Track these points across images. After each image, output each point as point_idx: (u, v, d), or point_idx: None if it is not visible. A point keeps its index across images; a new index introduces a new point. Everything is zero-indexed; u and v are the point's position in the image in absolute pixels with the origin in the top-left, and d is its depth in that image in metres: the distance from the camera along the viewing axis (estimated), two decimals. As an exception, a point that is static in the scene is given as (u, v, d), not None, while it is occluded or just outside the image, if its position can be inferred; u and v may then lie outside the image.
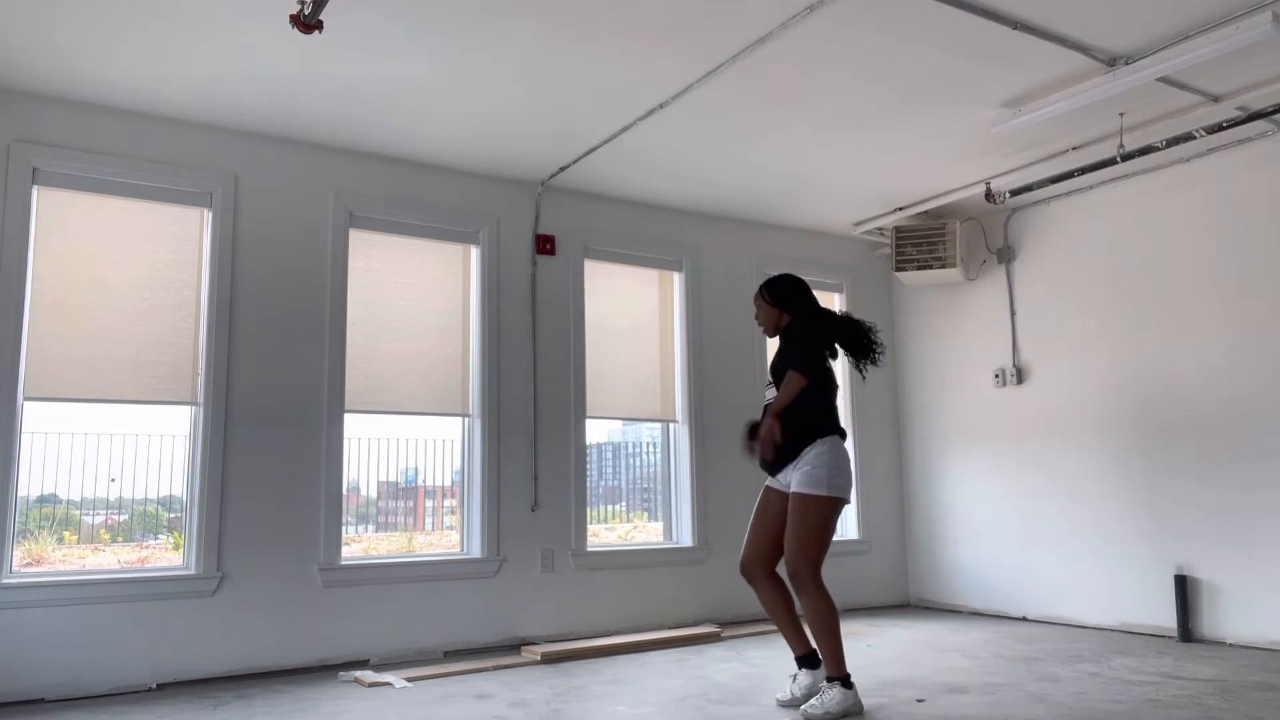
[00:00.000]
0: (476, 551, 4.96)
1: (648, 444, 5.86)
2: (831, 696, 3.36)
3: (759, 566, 3.65)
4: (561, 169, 5.11)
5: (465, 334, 5.12)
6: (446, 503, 5.10)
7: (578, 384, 5.36)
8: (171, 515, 4.37)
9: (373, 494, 4.93)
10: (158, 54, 3.76)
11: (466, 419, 5.09)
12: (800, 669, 3.61)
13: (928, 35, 3.68)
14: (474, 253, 5.18)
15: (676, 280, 5.88)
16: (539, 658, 4.52)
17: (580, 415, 5.34)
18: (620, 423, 5.78)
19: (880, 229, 6.22)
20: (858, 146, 4.85)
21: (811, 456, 3.47)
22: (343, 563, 4.56)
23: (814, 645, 3.55)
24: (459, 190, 5.12)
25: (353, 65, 3.87)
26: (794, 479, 3.50)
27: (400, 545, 4.98)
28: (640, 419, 5.69)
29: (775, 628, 5.40)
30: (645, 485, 5.84)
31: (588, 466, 5.38)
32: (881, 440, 6.50)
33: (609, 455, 5.85)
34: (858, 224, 6.21)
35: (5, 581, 3.84)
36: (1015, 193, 5.18)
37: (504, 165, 5.06)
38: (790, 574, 3.46)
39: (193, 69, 3.89)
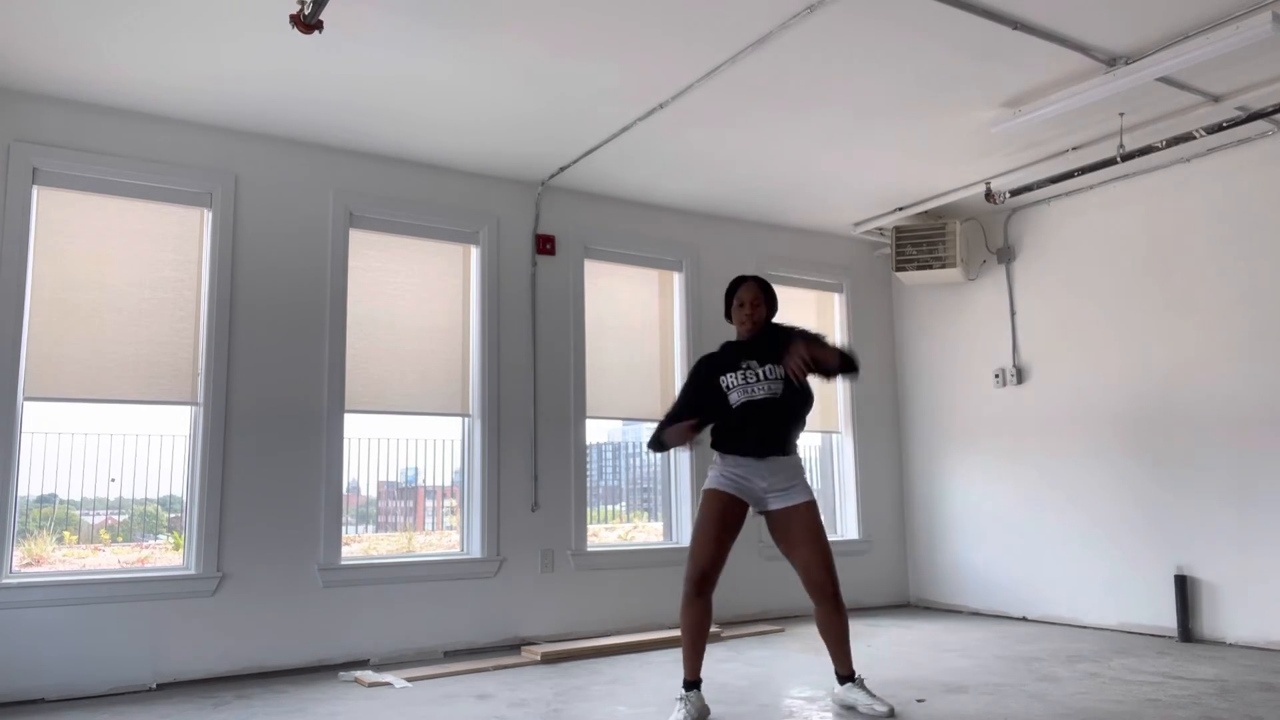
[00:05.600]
0: (476, 551, 4.96)
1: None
2: (866, 688, 3.51)
3: (711, 582, 3.37)
4: (561, 169, 5.11)
5: (465, 334, 5.12)
6: (446, 503, 5.10)
7: (578, 384, 5.36)
8: (171, 515, 4.37)
9: (373, 494, 4.93)
10: (157, 54, 3.76)
11: (466, 419, 5.09)
12: (691, 691, 3.35)
13: (927, 35, 3.68)
14: (474, 253, 5.18)
15: (676, 280, 5.88)
16: (539, 658, 4.52)
17: (580, 415, 5.34)
18: (620, 423, 5.77)
19: (880, 229, 6.22)
20: (858, 146, 4.85)
21: (802, 468, 3.57)
22: (343, 563, 4.56)
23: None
24: (459, 190, 5.13)
25: (353, 65, 3.88)
26: (796, 490, 3.45)
27: (400, 545, 4.98)
28: (640, 419, 5.69)
29: (773, 628, 5.41)
30: (645, 485, 5.84)
31: (588, 466, 5.38)
32: (881, 440, 6.50)
33: (609, 455, 5.84)
34: (858, 224, 6.21)
35: (5, 581, 3.85)
36: (1015, 193, 5.18)
37: (504, 165, 5.06)
38: (835, 588, 3.40)
39: (193, 69, 3.89)
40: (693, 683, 3.37)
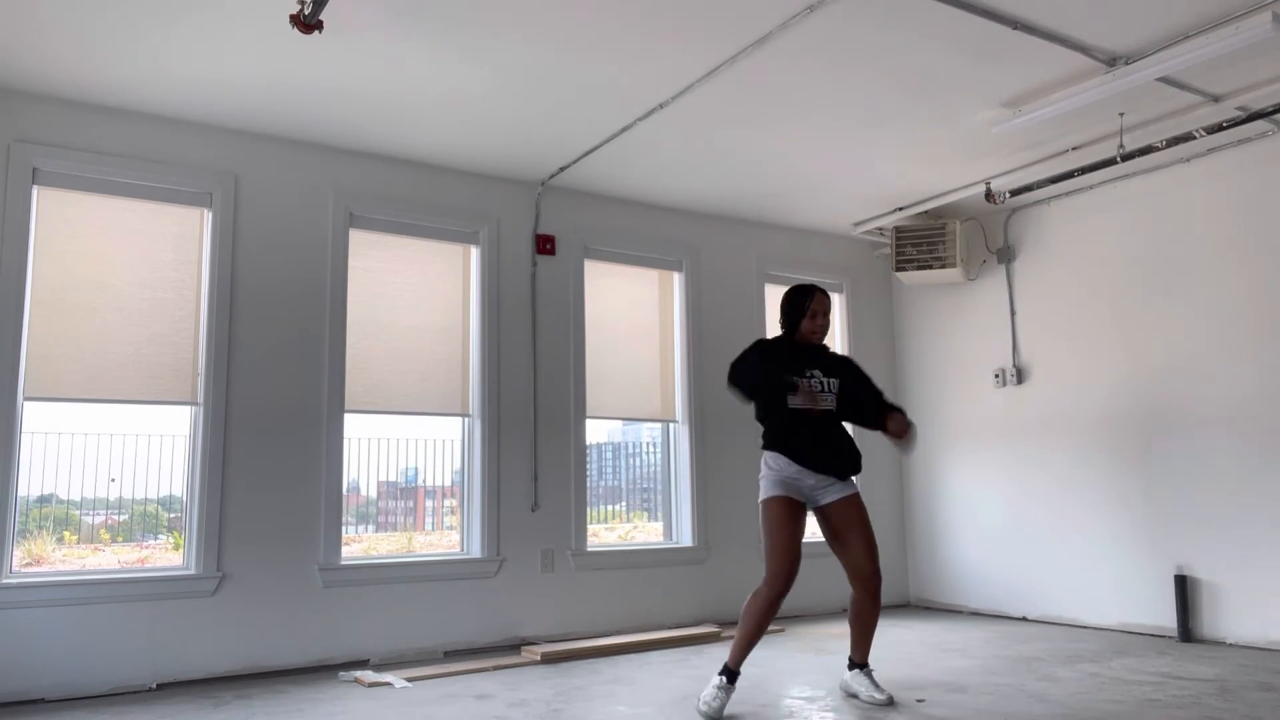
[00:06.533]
0: (476, 551, 4.96)
1: (648, 444, 5.86)
2: (874, 677, 3.68)
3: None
4: (561, 169, 5.11)
5: (465, 334, 5.12)
6: (446, 503, 5.10)
7: (578, 384, 5.35)
8: (171, 515, 4.37)
9: (373, 494, 4.93)
10: (158, 54, 3.76)
11: (466, 419, 5.09)
12: (731, 683, 3.46)
13: (928, 35, 3.68)
14: (474, 253, 5.18)
15: (676, 280, 5.88)
16: (539, 658, 4.52)
17: (580, 415, 5.34)
18: (620, 423, 5.77)
19: (880, 229, 6.22)
20: (858, 146, 4.85)
21: None
22: (343, 563, 4.56)
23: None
24: (459, 190, 5.12)
25: (353, 65, 3.87)
26: (845, 484, 3.63)
27: (400, 545, 4.98)
28: (640, 419, 5.69)
29: (773, 628, 5.41)
30: (645, 485, 5.84)
31: (588, 466, 5.38)
32: (881, 440, 6.49)
33: (609, 455, 5.85)
34: (858, 224, 6.21)
35: (5, 581, 3.84)
36: (1015, 193, 5.18)
37: (504, 165, 5.06)
38: (878, 580, 3.56)
39: (193, 69, 3.89)
40: (735, 672, 3.46)
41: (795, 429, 3.57)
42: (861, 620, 3.60)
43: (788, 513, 3.49)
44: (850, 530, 3.56)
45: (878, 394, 3.73)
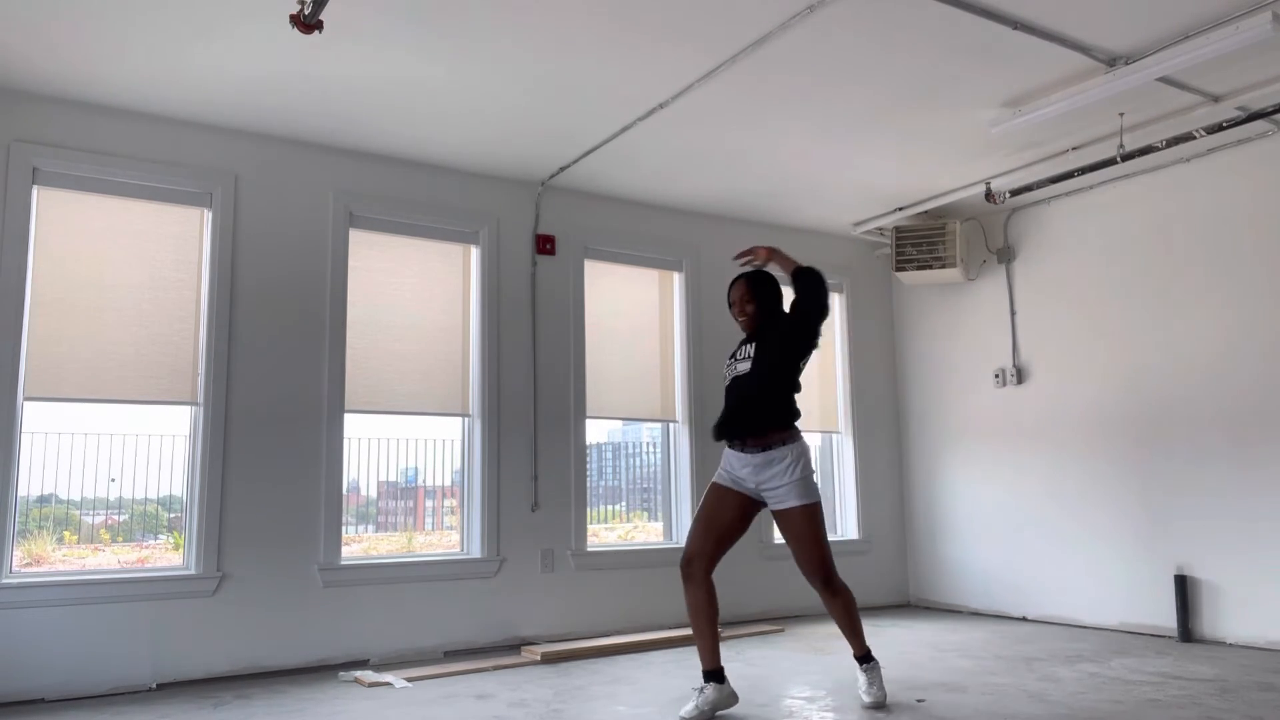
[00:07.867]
0: (476, 551, 4.96)
1: (648, 444, 5.86)
2: (875, 675, 3.58)
3: (697, 566, 3.48)
4: (561, 169, 5.11)
5: (465, 334, 5.12)
6: (446, 503, 5.10)
7: (578, 384, 5.36)
8: (171, 515, 4.37)
9: (373, 494, 4.93)
10: (157, 54, 3.76)
11: (466, 419, 5.09)
12: (709, 683, 3.44)
13: (927, 35, 3.68)
14: (474, 253, 5.18)
15: (676, 280, 5.88)
16: (539, 658, 4.52)
17: (580, 415, 5.34)
18: (620, 423, 5.77)
19: (880, 229, 6.22)
20: (858, 146, 4.85)
21: (799, 460, 3.46)
22: (343, 563, 4.56)
23: (721, 661, 3.50)
24: (459, 190, 5.13)
25: (353, 65, 3.88)
26: (786, 492, 3.42)
27: (400, 545, 4.98)
28: (640, 419, 5.69)
29: (773, 628, 5.40)
30: (645, 485, 5.84)
31: (588, 466, 5.38)
32: (881, 440, 6.50)
33: (609, 455, 5.85)
34: (858, 224, 6.21)
35: (5, 581, 3.85)
36: (1015, 193, 5.18)
37: (504, 165, 5.06)
38: (824, 580, 3.47)
39: (193, 69, 3.89)
40: (710, 673, 3.44)
41: (724, 408, 3.64)
42: (834, 617, 3.57)
43: (711, 496, 3.56)
44: (789, 539, 3.49)
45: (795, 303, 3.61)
